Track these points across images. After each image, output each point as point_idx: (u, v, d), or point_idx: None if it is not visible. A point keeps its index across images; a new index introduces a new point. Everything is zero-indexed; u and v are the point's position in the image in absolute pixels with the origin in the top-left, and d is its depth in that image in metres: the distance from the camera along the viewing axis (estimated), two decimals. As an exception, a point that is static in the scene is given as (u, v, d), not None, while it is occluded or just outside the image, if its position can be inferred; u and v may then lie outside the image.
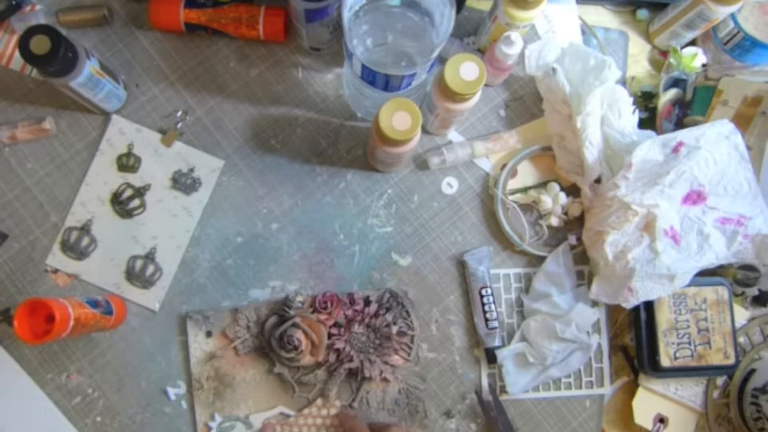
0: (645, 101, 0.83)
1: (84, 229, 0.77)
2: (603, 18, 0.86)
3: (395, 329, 0.75)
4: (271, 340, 0.74)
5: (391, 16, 0.66)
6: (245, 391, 0.75)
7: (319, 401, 0.75)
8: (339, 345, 0.74)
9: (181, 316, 0.76)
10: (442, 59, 0.69)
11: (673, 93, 0.80)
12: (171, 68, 0.80)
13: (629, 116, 0.75)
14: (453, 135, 0.82)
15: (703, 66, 0.82)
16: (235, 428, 0.75)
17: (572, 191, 0.80)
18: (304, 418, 0.75)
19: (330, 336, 0.74)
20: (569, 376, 0.79)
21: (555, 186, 0.79)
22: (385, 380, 0.76)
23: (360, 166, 0.80)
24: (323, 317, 0.74)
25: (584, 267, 0.80)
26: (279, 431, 0.74)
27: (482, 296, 0.77)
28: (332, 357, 0.75)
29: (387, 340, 0.75)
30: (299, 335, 0.73)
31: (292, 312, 0.74)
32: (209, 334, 0.76)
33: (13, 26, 0.78)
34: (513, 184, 0.80)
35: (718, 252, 0.71)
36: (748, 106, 0.73)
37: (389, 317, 0.75)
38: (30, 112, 0.78)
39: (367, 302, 0.76)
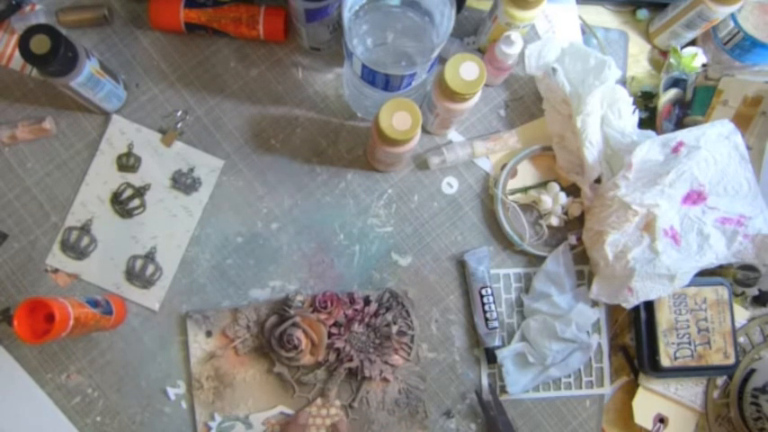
0: (645, 101, 0.83)
1: (84, 228, 0.77)
2: (603, 18, 0.86)
3: (395, 329, 0.75)
4: (271, 340, 0.74)
5: (391, 16, 0.66)
6: (245, 391, 0.75)
7: (319, 401, 0.75)
8: (339, 344, 0.74)
9: (181, 316, 0.76)
10: (441, 59, 0.69)
11: (673, 93, 0.80)
12: (171, 68, 0.80)
13: (629, 116, 0.75)
14: (453, 135, 0.82)
15: (703, 66, 0.82)
16: (234, 428, 0.75)
17: (572, 191, 0.80)
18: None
19: (330, 335, 0.74)
20: (569, 376, 0.79)
21: (555, 186, 0.79)
22: (385, 380, 0.76)
23: (360, 166, 0.80)
24: (323, 316, 0.74)
25: (584, 267, 0.80)
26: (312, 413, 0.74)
27: (482, 296, 0.77)
28: (332, 357, 0.75)
29: (387, 340, 0.75)
30: (298, 334, 0.73)
31: (292, 312, 0.74)
32: (209, 334, 0.75)
33: (13, 26, 0.78)
34: (513, 184, 0.80)
35: (718, 252, 0.71)
36: (748, 106, 0.73)
37: (389, 316, 0.75)
38: (30, 112, 0.78)
39: (367, 302, 0.76)
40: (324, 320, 0.74)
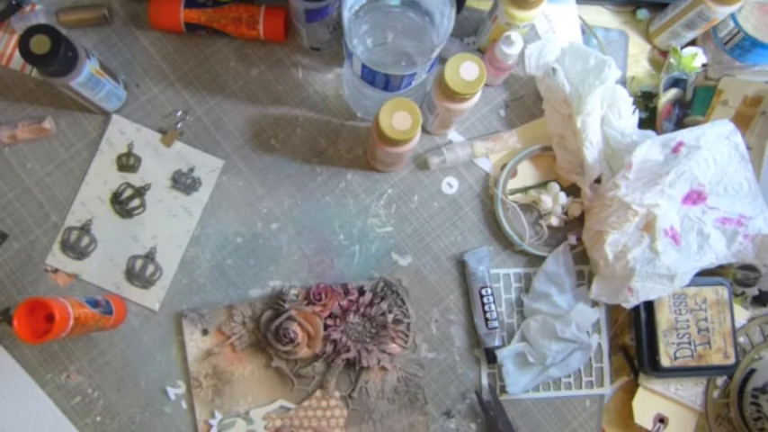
0: (645, 101, 0.83)
1: (84, 228, 0.77)
2: (603, 18, 0.86)
3: (390, 318, 0.75)
4: (267, 334, 0.74)
5: (391, 16, 0.66)
6: (245, 387, 0.75)
7: (319, 393, 0.76)
8: (335, 335, 0.74)
9: (178, 315, 0.76)
10: (442, 59, 0.69)
11: (673, 93, 0.80)
12: (171, 68, 0.80)
13: (629, 116, 0.75)
14: (453, 135, 0.82)
15: (703, 66, 0.82)
16: (236, 425, 0.75)
17: (572, 191, 0.80)
18: (304, 411, 0.75)
19: (326, 327, 0.75)
20: (569, 376, 0.79)
21: (555, 186, 0.79)
22: (383, 368, 0.76)
23: (360, 166, 0.80)
24: (318, 308, 0.74)
25: (584, 267, 0.80)
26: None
27: (482, 296, 0.77)
28: (329, 348, 0.75)
29: (383, 329, 0.75)
30: (294, 327, 0.73)
31: (287, 305, 0.74)
32: (205, 332, 0.75)
33: (13, 26, 0.78)
34: (513, 184, 0.80)
35: (718, 252, 0.71)
36: (748, 106, 0.73)
37: (384, 305, 0.75)
38: (30, 112, 0.78)
39: (361, 292, 0.76)
40: (319, 312, 0.74)
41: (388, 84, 0.67)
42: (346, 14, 0.63)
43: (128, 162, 0.78)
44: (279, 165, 0.80)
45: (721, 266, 0.75)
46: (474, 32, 0.84)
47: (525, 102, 0.83)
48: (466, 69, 0.66)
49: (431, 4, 0.64)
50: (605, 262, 0.73)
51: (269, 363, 0.75)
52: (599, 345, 0.79)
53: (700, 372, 0.76)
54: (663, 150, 0.72)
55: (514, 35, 0.72)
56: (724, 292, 0.76)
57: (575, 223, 0.80)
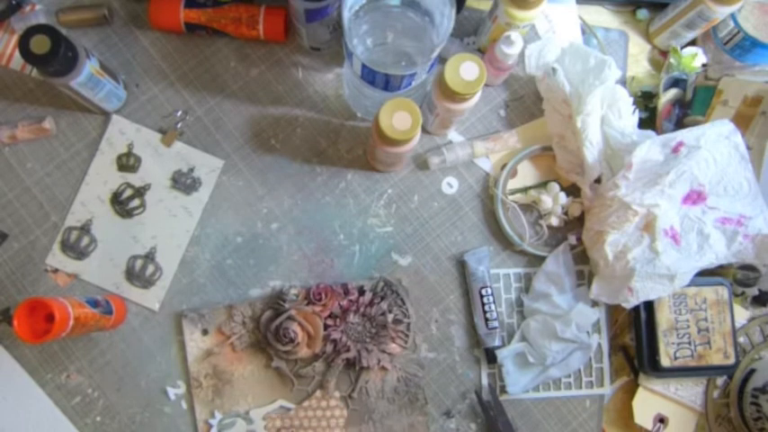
0: (645, 101, 0.83)
1: (84, 228, 0.77)
2: (603, 18, 0.86)
3: (390, 317, 0.75)
4: (267, 334, 0.74)
5: (391, 16, 0.66)
6: (245, 387, 0.75)
7: (319, 393, 0.76)
8: (335, 335, 0.74)
9: (178, 315, 0.76)
10: (442, 59, 0.69)
11: (673, 93, 0.80)
12: (171, 68, 0.80)
13: (629, 116, 0.75)
14: (453, 135, 0.82)
15: (703, 66, 0.82)
16: (236, 425, 0.75)
17: (572, 191, 0.80)
18: (304, 411, 0.75)
19: (326, 327, 0.75)
20: (569, 376, 0.79)
21: (555, 186, 0.79)
22: (383, 368, 0.76)
23: (360, 166, 0.80)
24: (318, 308, 0.74)
25: (584, 267, 0.80)
26: None
27: (482, 296, 0.77)
28: (329, 348, 0.75)
29: (383, 329, 0.75)
30: (294, 327, 0.73)
31: (287, 305, 0.74)
32: (205, 332, 0.76)
33: (13, 26, 0.78)
34: (513, 184, 0.80)
35: (718, 252, 0.71)
36: (748, 106, 0.73)
37: (384, 305, 0.75)
38: (30, 111, 0.78)
39: (361, 292, 0.76)
40: (319, 312, 0.74)
41: (388, 84, 0.67)
42: (346, 14, 0.63)
43: (128, 162, 0.78)
44: (279, 165, 0.80)
45: (721, 266, 0.75)
46: (474, 32, 0.84)
47: (525, 102, 0.83)
48: (466, 69, 0.66)
49: (431, 4, 0.64)
50: (605, 262, 0.73)
51: (269, 363, 0.75)
52: (599, 345, 0.79)
53: (700, 372, 0.76)
54: (663, 150, 0.72)
55: (514, 35, 0.72)
56: (724, 292, 0.76)
57: (575, 223, 0.80)
